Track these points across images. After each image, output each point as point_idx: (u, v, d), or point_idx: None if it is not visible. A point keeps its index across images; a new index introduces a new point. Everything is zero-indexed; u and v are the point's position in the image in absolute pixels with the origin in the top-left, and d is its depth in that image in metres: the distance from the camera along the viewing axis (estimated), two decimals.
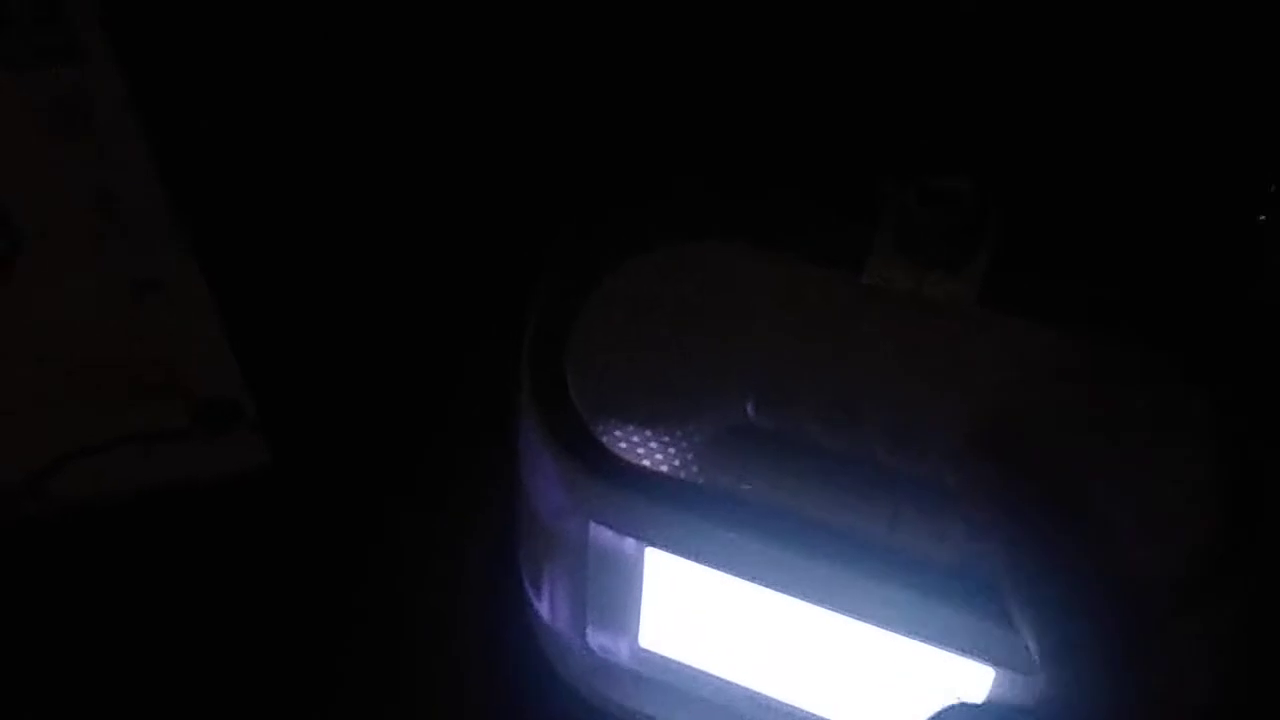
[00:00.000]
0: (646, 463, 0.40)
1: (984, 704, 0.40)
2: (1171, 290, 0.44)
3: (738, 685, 0.45)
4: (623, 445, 0.41)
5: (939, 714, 0.36)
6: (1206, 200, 0.53)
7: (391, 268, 0.58)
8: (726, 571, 0.41)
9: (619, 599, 0.44)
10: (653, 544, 0.41)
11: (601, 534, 0.42)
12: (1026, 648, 0.37)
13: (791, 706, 0.45)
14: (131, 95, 0.45)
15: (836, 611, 0.40)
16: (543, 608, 0.47)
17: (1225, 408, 0.40)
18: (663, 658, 0.45)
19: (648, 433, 0.41)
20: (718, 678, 0.45)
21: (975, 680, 0.40)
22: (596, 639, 0.45)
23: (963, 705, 0.36)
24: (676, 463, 0.41)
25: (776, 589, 0.41)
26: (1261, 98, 0.58)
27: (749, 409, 0.41)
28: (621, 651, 0.45)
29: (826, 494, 0.40)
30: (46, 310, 0.51)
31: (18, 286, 0.50)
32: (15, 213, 0.48)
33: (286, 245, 0.57)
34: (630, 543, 0.42)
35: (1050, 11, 0.58)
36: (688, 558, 0.41)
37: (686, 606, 0.43)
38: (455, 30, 0.60)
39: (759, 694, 0.45)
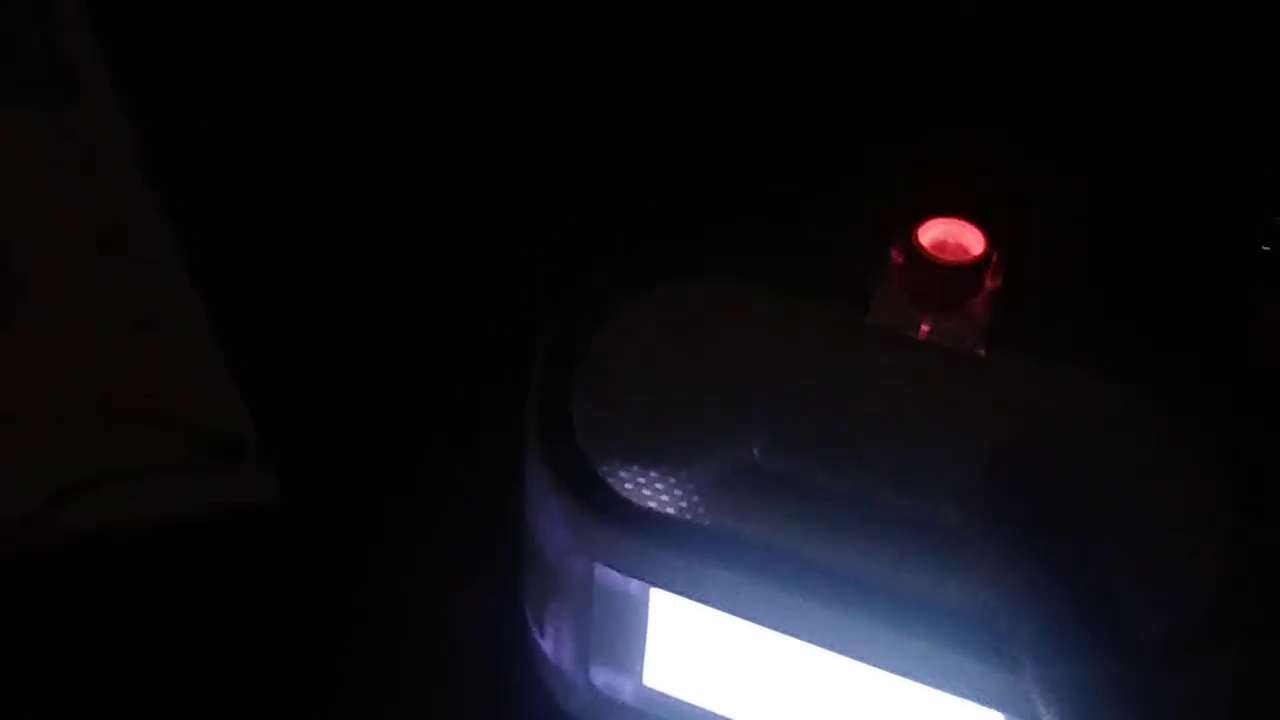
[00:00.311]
0: (652, 504, 0.40)
1: None
2: (1176, 330, 0.44)
3: None
4: (628, 486, 0.41)
5: None
6: (1210, 233, 0.53)
7: (398, 301, 0.58)
8: (732, 613, 0.41)
9: (623, 638, 0.44)
10: (658, 585, 0.41)
11: (606, 574, 0.42)
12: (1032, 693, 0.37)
13: None
14: (133, 131, 0.45)
15: (841, 654, 0.40)
16: (547, 645, 0.47)
17: (1229, 444, 0.40)
18: (667, 697, 0.45)
19: (654, 474, 0.41)
20: (722, 718, 0.45)
21: None
22: (600, 677, 0.45)
23: None
24: (683, 504, 0.41)
25: (782, 631, 0.41)
26: (1261, 121, 0.58)
27: (755, 451, 0.41)
28: (626, 690, 0.45)
29: (832, 536, 0.40)
30: (48, 344, 0.51)
31: (20, 321, 0.50)
32: (17, 248, 0.48)
33: (289, 277, 0.57)
34: (635, 583, 0.42)
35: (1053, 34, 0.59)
36: (693, 599, 0.41)
37: (692, 647, 0.43)
38: (467, 63, 0.60)
39: None
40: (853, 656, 0.40)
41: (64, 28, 0.44)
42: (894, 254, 0.42)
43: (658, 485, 0.41)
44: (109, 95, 0.45)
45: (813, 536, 0.40)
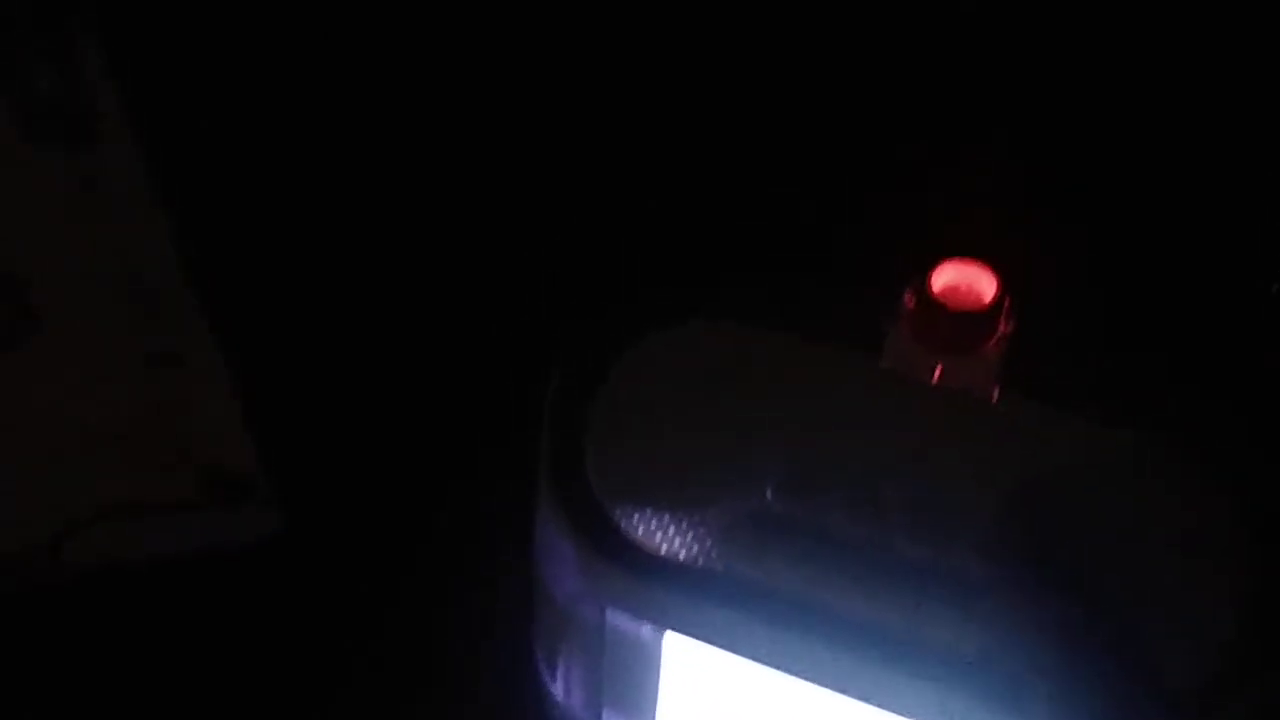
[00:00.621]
0: (665, 548, 0.40)
1: None
2: (1194, 378, 0.44)
3: None
4: (641, 530, 0.41)
5: None
6: (1224, 280, 0.53)
7: (411, 344, 0.58)
8: (745, 657, 0.41)
9: (636, 683, 0.44)
10: (671, 628, 0.41)
11: (619, 618, 0.42)
12: None
13: None
14: (151, 174, 0.46)
15: (856, 699, 0.40)
16: (557, 690, 0.47)
17: (1247, 498, 0.40)
18: None
19: (666, 518, 0.41)
20: None
21: None
22: None
23: None
24: (695, 548, 0.40)
25: (796, 675, 0.40)
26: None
27: (768, 494, 0.41)
28: None
29: (846, 581, 0.40)
30: (63, 382, 0.51)
31: (35, 359, 0.50)
32: (35, 287, 0.48)
33: (303, 317, 0.58)
34: (648, 628, 0.42)
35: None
36: (707, 642, 0.41)
37: (705, 691, 0.43)
38: (462, 83, 0.61)
39: None
40: (868, 700, 0.40)
41: (86, 74, 0.44)
42: (906, 299, 0.42)
43: (670, 529, 0.41)
44: (129, 139, 0.46)
45: (827, 581, 0.40)
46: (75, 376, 0.52)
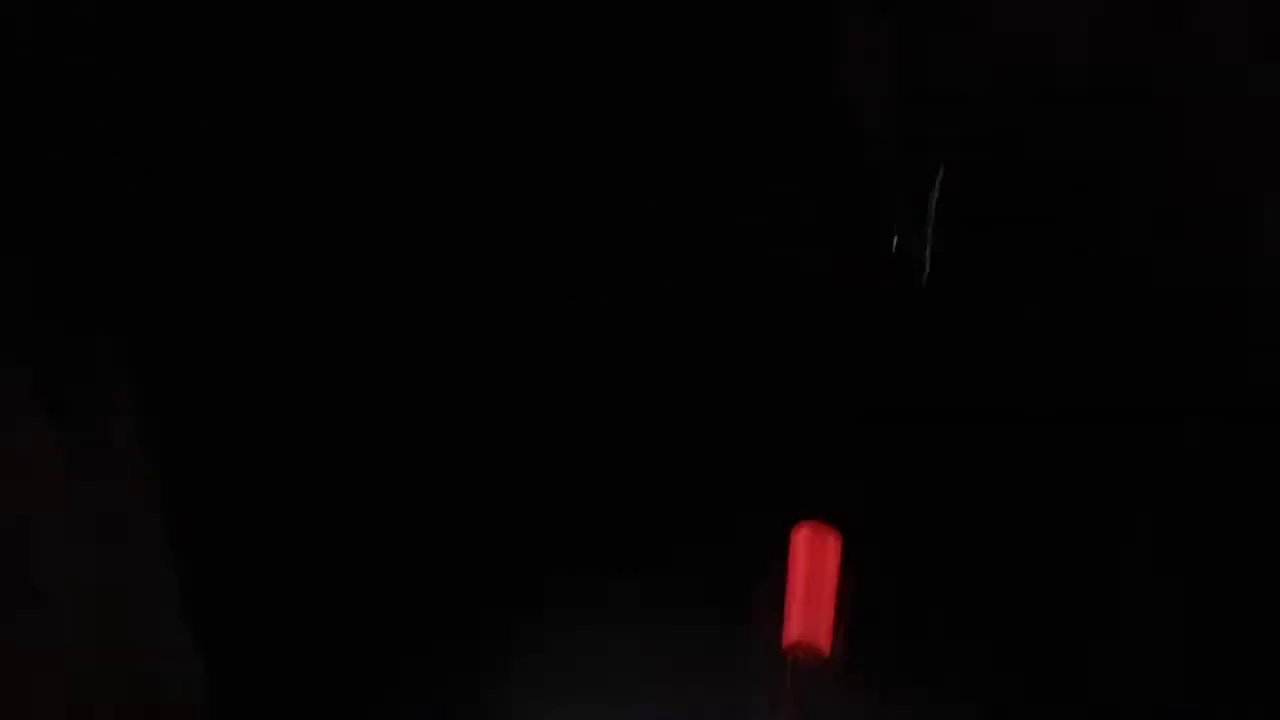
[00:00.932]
0: None
1: None
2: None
3: None
4: None
5: None
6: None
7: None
8: None
9: None
10: None
11: None
12: None
13: None
14: (149, 454, 0.50)
15: None
16: None
17: None
18: None
19: None
20: None
21: None
22: None
23: None
24: None
25: None
26: None
27: None
28: None
29: None
30: (56, 664, 0.54)
31: (22, 620, 0.53)
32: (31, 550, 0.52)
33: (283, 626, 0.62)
34: None
35: None
36: None
37: None
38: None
39: None
40: None
41: (98, 359, 0.49)
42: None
43: None
44: (134, 415, 0.50)
45: None
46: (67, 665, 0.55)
